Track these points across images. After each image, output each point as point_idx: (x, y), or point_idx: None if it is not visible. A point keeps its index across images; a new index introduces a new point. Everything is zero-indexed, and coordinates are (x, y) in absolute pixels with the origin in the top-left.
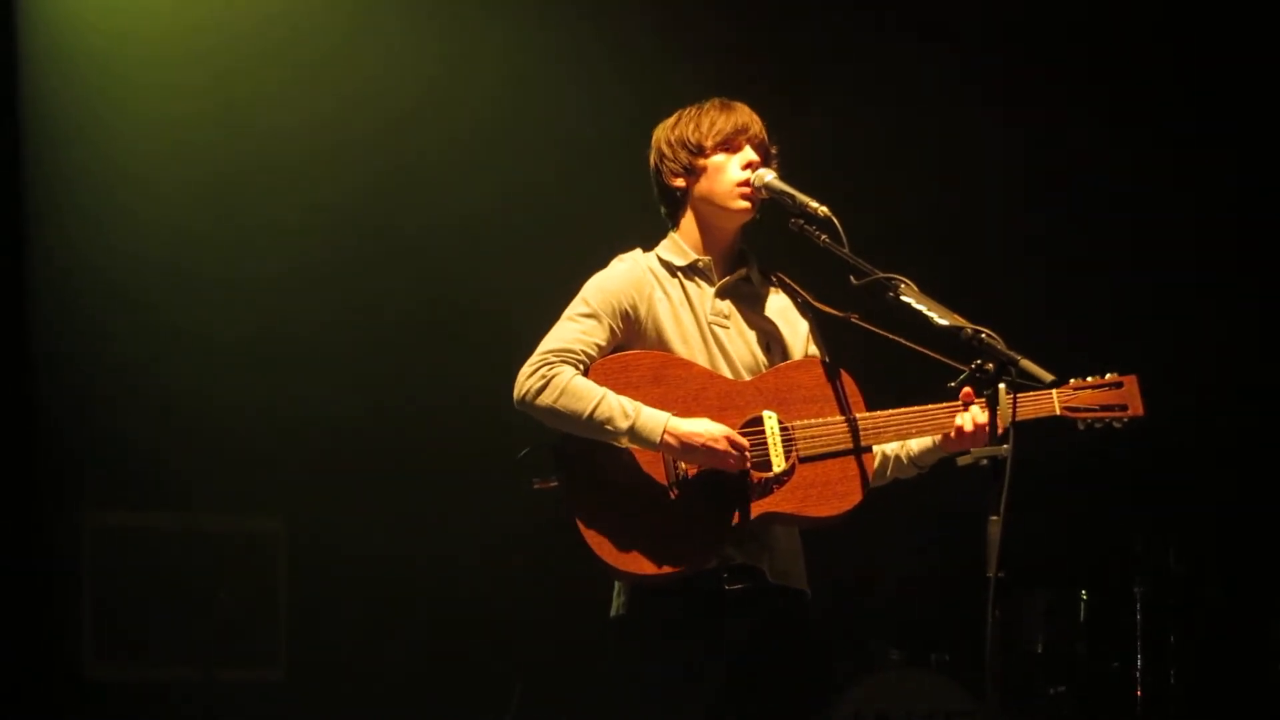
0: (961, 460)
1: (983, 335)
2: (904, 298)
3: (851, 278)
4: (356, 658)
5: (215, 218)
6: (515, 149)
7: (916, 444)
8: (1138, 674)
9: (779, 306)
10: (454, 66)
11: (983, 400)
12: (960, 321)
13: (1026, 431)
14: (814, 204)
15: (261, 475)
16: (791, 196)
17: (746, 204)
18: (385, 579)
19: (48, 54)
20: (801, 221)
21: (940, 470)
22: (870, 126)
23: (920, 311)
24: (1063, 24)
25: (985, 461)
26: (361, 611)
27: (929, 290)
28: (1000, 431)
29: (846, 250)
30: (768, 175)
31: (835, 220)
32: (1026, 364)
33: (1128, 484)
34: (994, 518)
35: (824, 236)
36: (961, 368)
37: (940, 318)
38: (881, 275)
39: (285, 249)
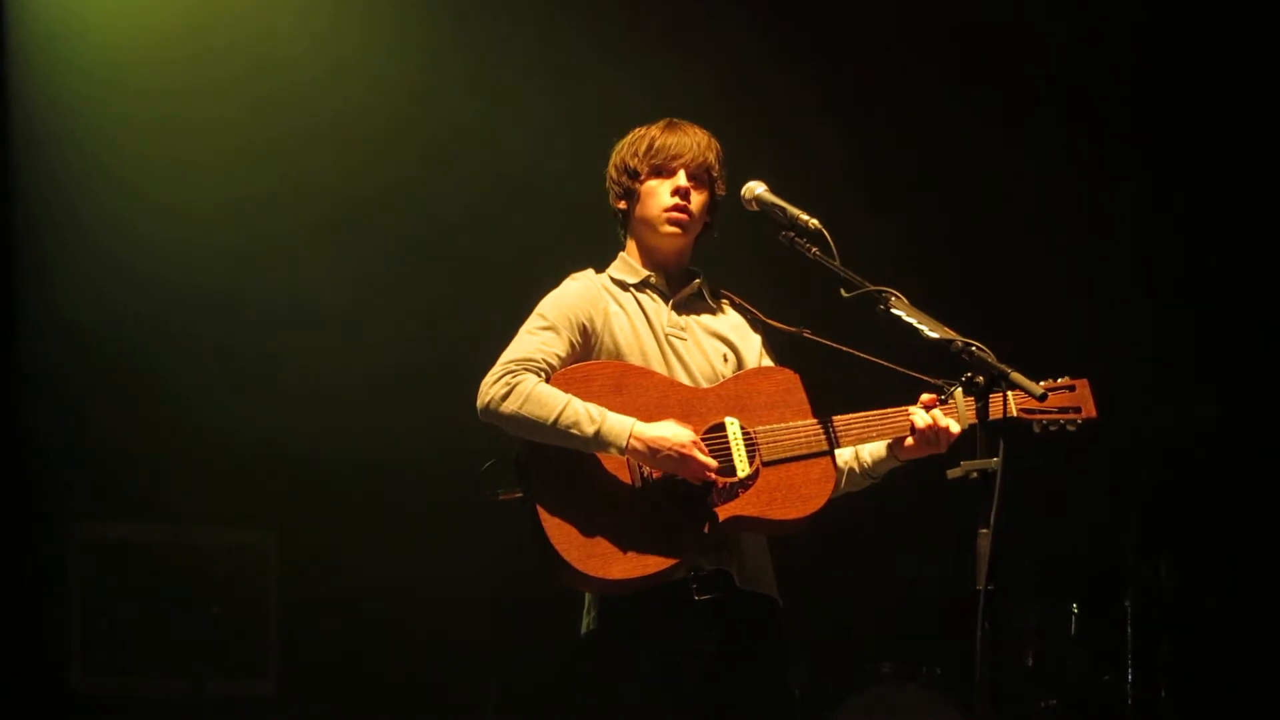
0: (951, 473)
1: (973, 348)
2: (894, 310)
3: (842, 290)
4: (347, 671)
5: (207, 227)
6: (500, 167)
7: (870, 454)
8: (1129, 687)
9: (732, 323)
10: (437, 78)
11: (942, 405)
12: (950, 334)
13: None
14: (805, 216)
15: (252, 487)
16: (782, 209)
17: (674, 229)
18: (376, 592)
19: (37, 55)
20: (792, 234)
21: (932, 482)
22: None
23: (910, 324)
24: (1034, 42)
25: (975, 474)
26: (352, 624)
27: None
28: (960, 433)
29: (837, 263)
30: (758, 188)
31: (826, 233)
32: (1017, 376)
33: (1119, 497)
34: (983, 530)
35: (814, 249)
36: (914, 374)
37: (931, 330)
38: (872, 288)
39: (278, 260)
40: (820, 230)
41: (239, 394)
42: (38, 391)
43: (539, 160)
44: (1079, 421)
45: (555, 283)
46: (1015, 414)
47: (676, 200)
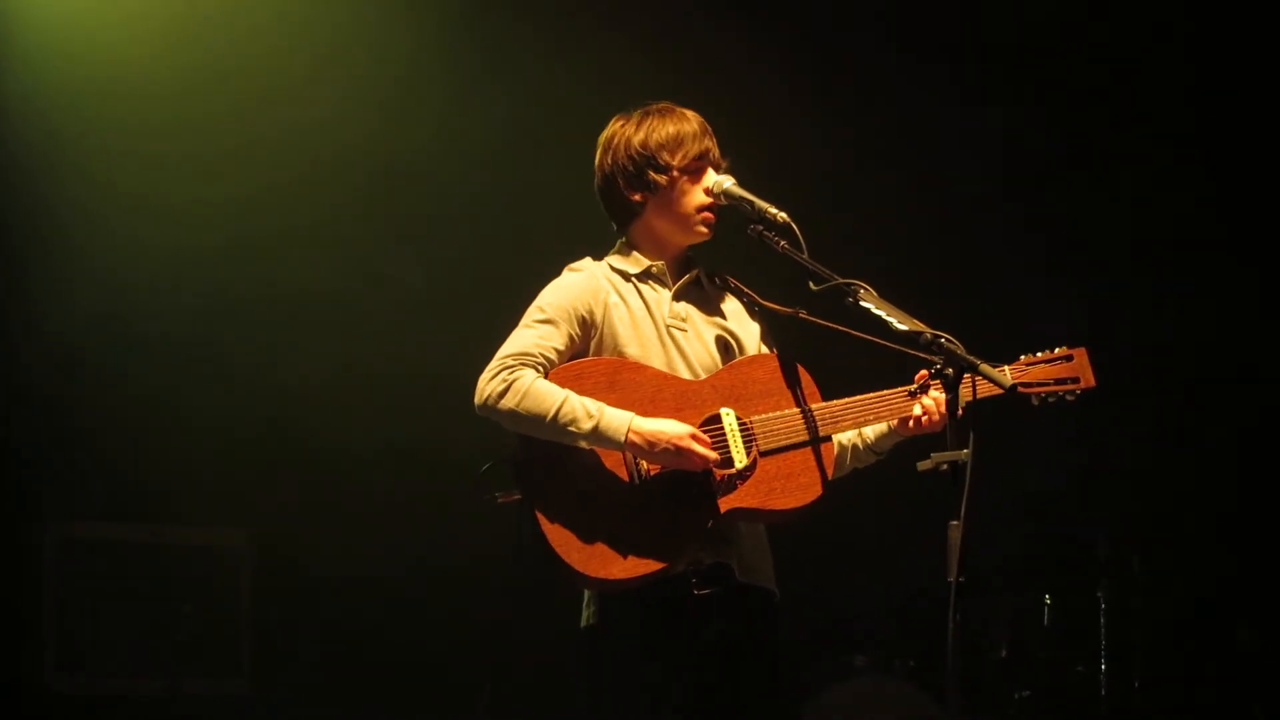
0: (921, 465)
1: (942, 340)
2: (863, 303)
3: (811, 283)
4: (321, 670)
5: (183, 229)
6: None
7: (873, 431)
8: (1102, 678)
9: (731, 308)
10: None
11: (937, 381)
12: (919, 326)
13: (980, 431)
14: (773, 210)
15: (227, 487)
16: (750, 202)
17: (706, 230)
18: (350, 591)
19: (12, 55)
20: (760, 228)
21: (905, 474)
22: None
23: (880, 316)
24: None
25: (945, 466)
26: (326, 624)
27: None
28: (960, 414)
29: (805, 256)
30: (726, 182)
31: (794, 226)
32: (986, 368)
33: (1091, 489)
34: (954, 522)
35: (783, 242)
36: (910, 352)
37: (899, 323)
38: (840, 280)
39: (253, 262)
40: (788, 223)
41: (213, 395)
42: (12, 392)
43: (518, 162)
44: (1078, 392)
45: (543, 282)
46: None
47: (711, 201)
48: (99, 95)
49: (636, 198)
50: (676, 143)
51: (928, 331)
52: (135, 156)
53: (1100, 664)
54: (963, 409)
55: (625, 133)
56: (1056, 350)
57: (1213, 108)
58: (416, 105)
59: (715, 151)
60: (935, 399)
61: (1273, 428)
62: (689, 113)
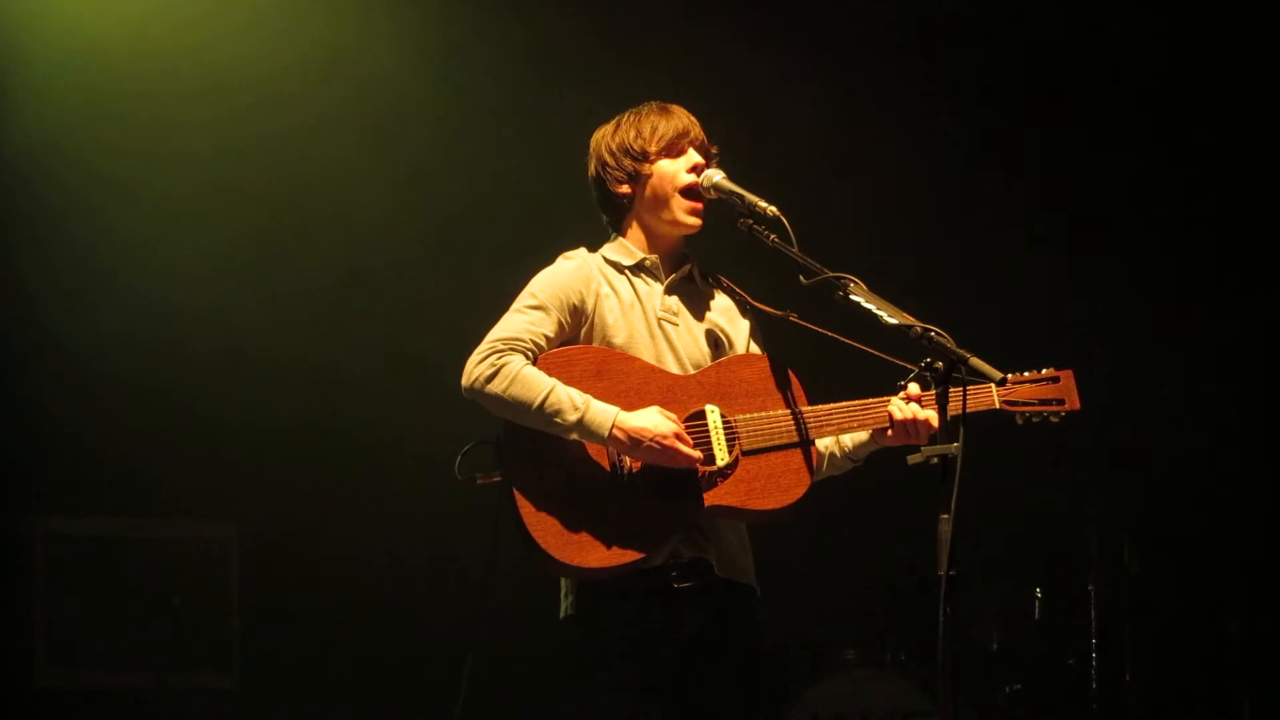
0: (912, 459)
1: (932, 333)
2: (853, 296)
3: (801, 277)
4: (310, 663)
5: (167, 224)
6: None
7: (851, 438)
8: (1093, 671)
9: (722, 306)
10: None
11: (922, 394)
12: (910, 320)
13: (968, 428)
14: (763, 204)
15: (214, 480)
16: (740, 196)
17: (697, 203)
18: (338, 583)
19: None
20: (750, 221)
21: (895, 469)
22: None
23: (870, 310)
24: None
25: (935, 460)
26: (315, 616)
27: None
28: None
29: (796, 250)
30: (716, 176)
31: (784, 220)
32: (976, 362)
33: (1082, 483)
34: (944, 516)
35: (773, 236)
36: (898, 362)
37: (890, 316)
38: (831, 274)
39: (237, 258)
40: (779, 217)
41: (200, 387)
42: None
43: (518, 164)
44: (1062, 413)
45: (528, 278)
46: (998, 406)
47: (694, 178)
48: (105, 96)
49: (624, 189)
50: (652, 129)
51: (918, 325)
52: (130, 154)
53: (1091, 657)
54: (952, 417)
55: (605, 135)
56: (1044, 371)
57: (1217, 112)
58: (418, 105)
59: (698, 133)
60: (924, 415)
61: (1263, 421)
62: (670, 105)
